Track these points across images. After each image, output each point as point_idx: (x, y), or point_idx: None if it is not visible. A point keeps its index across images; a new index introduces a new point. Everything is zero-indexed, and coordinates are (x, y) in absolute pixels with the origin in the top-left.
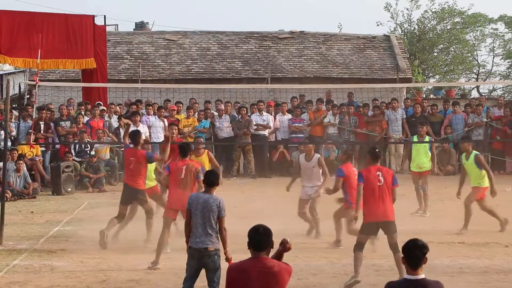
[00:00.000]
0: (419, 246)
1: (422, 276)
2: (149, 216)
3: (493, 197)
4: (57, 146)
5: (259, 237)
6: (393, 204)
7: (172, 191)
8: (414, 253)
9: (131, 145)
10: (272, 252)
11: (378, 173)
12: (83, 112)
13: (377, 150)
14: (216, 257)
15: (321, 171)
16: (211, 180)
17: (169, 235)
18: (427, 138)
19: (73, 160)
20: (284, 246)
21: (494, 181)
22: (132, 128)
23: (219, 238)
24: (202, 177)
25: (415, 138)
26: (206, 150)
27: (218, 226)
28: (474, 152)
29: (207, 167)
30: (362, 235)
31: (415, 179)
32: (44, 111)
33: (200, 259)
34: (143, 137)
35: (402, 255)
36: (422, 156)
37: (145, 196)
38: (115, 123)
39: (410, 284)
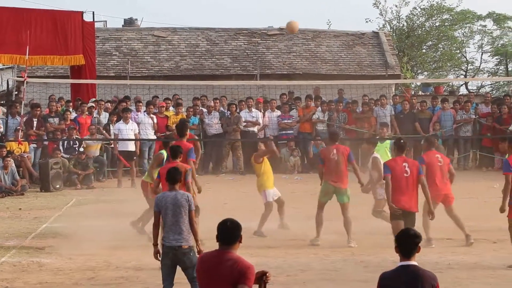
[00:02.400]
0: (412, 235)
1: (414, 262)
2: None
3: None
4: (46, 142)
5: (227, 231)
6: (426, 192)
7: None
8: (407, 242)
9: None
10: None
11: (404, 164)
12: (70, 109)
13: (402, 141)
14: (191, 254)
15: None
16: (173, 177)
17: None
18: (388, 142)
19: (62, 156)
20: (260, 281)
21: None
22: (121, 124)
23: (191, 233)
24: (189, 178)
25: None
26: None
27: (189, 221)
28: None
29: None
30: (393, 222)
31: None
32: (39, 108)
33: (174, 257)
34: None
35: (395, 244)
36: (382, 157)
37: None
38: (104, 120)
39: (404, 269)
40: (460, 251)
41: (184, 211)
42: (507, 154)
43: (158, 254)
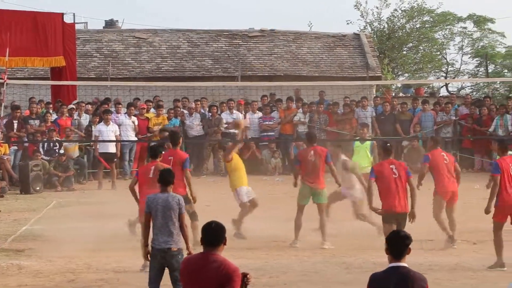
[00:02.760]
0: (402, 237)
1: (404, 264)
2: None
3: None
4: (26, 144)
5: (211, 233)
6: (414, 195)
7: (143, 193)
8: (397, 243)
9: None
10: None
11: (391, 166)
12: (50, 111)
13: (388, 145)
14: (180, 256)
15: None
16: (166, 179)
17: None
18: (368, 143)
19: (42, 158)
20: (241, 282)
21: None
22: (102, 125)
23: (181, 236)
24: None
25: (357, 143)
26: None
27: (179, 224)
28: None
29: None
30: (385, 225)
31: None
32: (19, 110)
33: (163, 259)
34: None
35: (385, 246)
36: (361, 158)
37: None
38: (84, 122)
39: (394, 270)
40: (441, 252)
41: (174, 214)
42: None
43: (148, 255)
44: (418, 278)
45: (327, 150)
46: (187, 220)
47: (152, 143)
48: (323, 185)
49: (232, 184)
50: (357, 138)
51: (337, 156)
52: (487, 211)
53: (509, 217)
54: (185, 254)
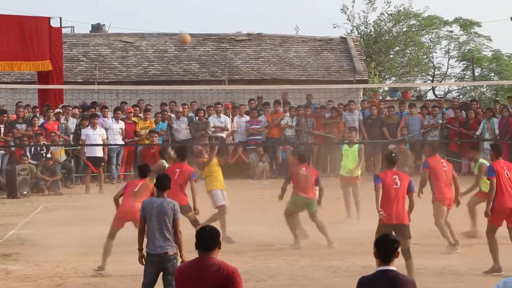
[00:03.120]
0: (391, 241)
1: (393, 267)
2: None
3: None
4: (13, 148)
5: (206, 238)
6: (411, 209)
7: (124, 203)
8: (385, 247)
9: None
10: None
11: (394, 176)
12: (37, 115)
13: (393, 155)
14: (175, 260)
15: None
16: (163, 183)
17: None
18: (356, 146)
19: (29, 163)
20: None
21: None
22: (89, 129)
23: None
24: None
25: (345, 146)
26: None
27: (173, 229)
28: (480, 160)
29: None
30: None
31: (343, 184)
32: (6, 115)
33: (160, 264)
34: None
35: (374, 249)
36: (350, 161)
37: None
38: (71, 126)
39: (383, 274)
40: (428, 255)
41: (168, 219)
42: (476, 162)
43: (143, 259)
44: (408, 281)
45: (318, 172)
46: (187, 227)
47: (140, 164)
48: (315, 195)
49: (206, 186)
50: (346, 141)
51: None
52: (486, 214)
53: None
54: (178, 259)
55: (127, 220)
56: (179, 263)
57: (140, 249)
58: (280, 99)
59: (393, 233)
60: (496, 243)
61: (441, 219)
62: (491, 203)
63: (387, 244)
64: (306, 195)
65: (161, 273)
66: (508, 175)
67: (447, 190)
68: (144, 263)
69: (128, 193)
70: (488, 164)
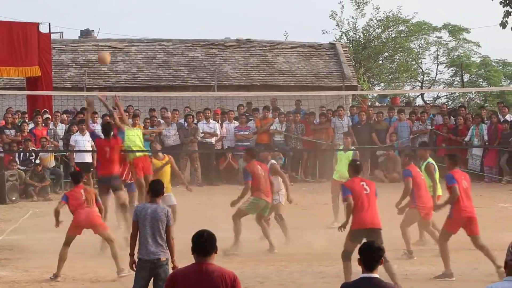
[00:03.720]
0: (375, 248)
1: (376, 275)
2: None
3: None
4: (1, 154)
5: (203, 242)
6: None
7: (78, 211)
8: (369, 255)
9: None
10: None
11: (362, 183)
12: (27, 120)
13: (358, 163)
14: (167, 266)
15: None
16: (156, 189)
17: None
18: (350, 152)
19: (18, 168)
20: None
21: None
22: (78, 135)
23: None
24: (100, 200)
25: (340, 152)
26: (168, 156)
27: (166, 236)
28: (429, 159)
29: (167, 173)
30: (349, 242)
31: (334, 188)
32: None
33: (152, 270)
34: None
35: (358, 257)
36: (345, 166)
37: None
38: (60, 131)
39: (366, 281)
40: (417, 261)
41: (161, 225)
42: (425, 161)
43: (134, 265)
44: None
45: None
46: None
47: (72, 171)
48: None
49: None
50: (340, 148)
51: (267, 159)
52: (436, 209)
53: (461, 228)
54: (170, 265)
55: (86, 228)
56: (170, 269)
57: (132, 254)
58: (269, 105)
59: (365, 239)
60: (447, 249)
61: (408, 226)
62: (447, 204)
63: (372, 252)
64: (268, 198)
65: (152, 279)
66: (465, 185)
67: (428, 198)
68: (135, 268)
69: (77, 205)
70: (435, 165)
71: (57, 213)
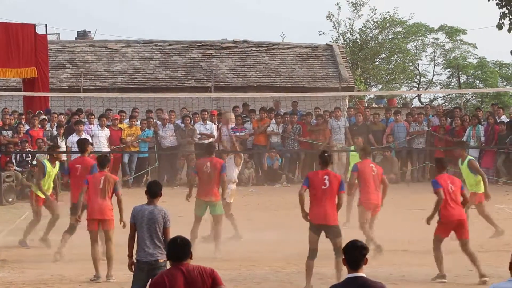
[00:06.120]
0: (359, 247)
1: (362, 274)
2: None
3: (487, 201)
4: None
5: (178, 249)
6: (338, 209)
7: (92, 201)
8: (354, 254)
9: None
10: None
11: (325, 176)
12: (23, 122)
13: (326, 154)
14: (165, 268)
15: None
16: (154, 190)
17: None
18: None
19: (14, 170)
20: None
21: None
22: (74, 137)
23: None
24: (119, 190)
25: (353, 152)
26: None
27: (163, 237)
28: (469, 157)
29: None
30: (309, 232)
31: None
32: None
33: (150, 272)
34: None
35: (343, 257)
36: None
37: None
38: (56, 133)
39: (352, 281)
40: (414, 262)
41: (158, 227)
42: (464, 159)
43: (133, 266)
44: (377, 286)
45: (223, 161)
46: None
47: (100, 155)
48: (218, 197)
49: None
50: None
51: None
52: (428, 222)
53: (453, 232)
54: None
55: (99, 219)
56: None
57: (130, 256)
58: (267, 106)
59: (323, 232)
60: (441, 254)
61: (366, 224)
62: (436, 213)
63: (355, 251)
64: (207, 197)
65: (150, 280)
66: (451, 189)
67: (374, 195)
68: (133, 270)
69: (94, 192)
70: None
71: (82, 205)
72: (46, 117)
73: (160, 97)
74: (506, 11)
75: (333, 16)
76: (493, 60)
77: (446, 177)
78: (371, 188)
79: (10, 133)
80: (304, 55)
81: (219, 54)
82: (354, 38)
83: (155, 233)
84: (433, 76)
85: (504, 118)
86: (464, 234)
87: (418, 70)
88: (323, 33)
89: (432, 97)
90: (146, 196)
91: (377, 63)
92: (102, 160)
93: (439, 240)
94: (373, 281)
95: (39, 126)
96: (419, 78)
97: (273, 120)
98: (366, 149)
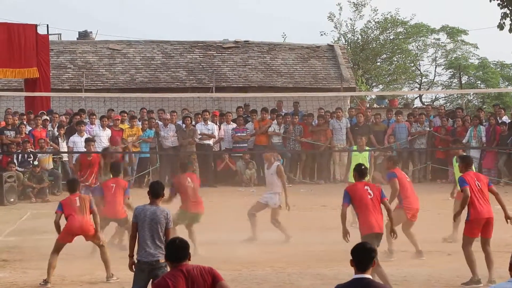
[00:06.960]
0: (367, 249)
1: (369, 276)
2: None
3: None
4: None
5: (176, 250)
6: (390, 215)
7: (72, 218)
8: (362, 256)
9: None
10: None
11: (366, 187)
12: (25, 122)
13: (363, 167)
14: (166, 268)
15: (279, 180)
16: (156, 191)
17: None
18: (367, 153)
19: (16, 170)
20: None
21: None
22: (76, 137)
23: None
24: (94, 207)
25: (355, 152)
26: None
27: (165, 238)
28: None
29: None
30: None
31: None
32: None
33: (150, 272)
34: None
35: (351, 258)
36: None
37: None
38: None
39: (358, 282)
40: (415, 263)
41: (160, 227)
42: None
43: (134, 266)
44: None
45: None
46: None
47: (69, 179)
48: (203, 210)
49: None
50: (355, 149)
51: (270, 161)
52: (454, 219)
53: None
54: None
55: (78, 235)
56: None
57: (131, 256)
58: (268, 106)
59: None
60: (473, 255)
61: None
62: (462, 210)
63: (364, 253)
64: (196, 210)
65: (151, 280)
66: (478, 186)
67: (415, 200)
68: (134, 270)
69: (71, 211)
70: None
71: (57, 226)
72: (48, 118)
73: (162, 97)
74: (508, 12)
75: (335, 16)
76: (494, 61)
77: (473, 174)
78: (410, 192)
79: (13, 133)
80: (306, 56)
81: (220, 54)
82: (356, 38)
83: (157, 234)
84: (434, 76)
85: (505, 118)
86: (489, 233)
87: (419, 70)
88: (325, 34)
89: (433, 97)
90: (148, 196)
91: (378, 63)
92: (72, 183)
93: (470, 241)
94: (378, 283)
95: (42, 126)
96: (420, 78)
97: (275, 120)
98: (393, 159)
